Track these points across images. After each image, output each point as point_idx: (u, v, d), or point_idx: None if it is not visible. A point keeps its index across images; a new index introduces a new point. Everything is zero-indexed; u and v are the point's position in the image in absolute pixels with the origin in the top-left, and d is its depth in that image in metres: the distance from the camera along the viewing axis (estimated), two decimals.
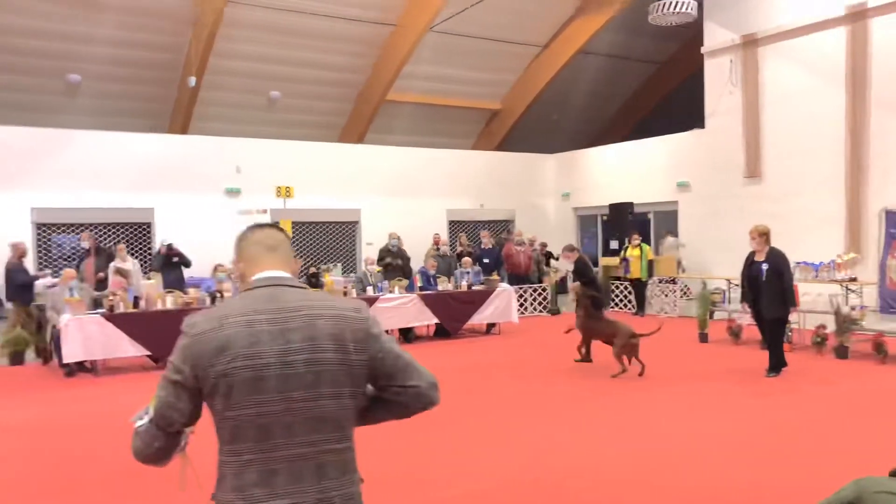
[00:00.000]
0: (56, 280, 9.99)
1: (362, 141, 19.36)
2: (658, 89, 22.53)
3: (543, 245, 16.82)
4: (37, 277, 10.71)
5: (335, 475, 1.87)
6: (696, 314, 10.97)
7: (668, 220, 17.25)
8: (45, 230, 14.49)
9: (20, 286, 10.11)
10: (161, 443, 1.88)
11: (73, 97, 16.24)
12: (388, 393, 1.98)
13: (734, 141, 15.40)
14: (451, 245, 16.97)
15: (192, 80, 15.78)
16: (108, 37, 15.45)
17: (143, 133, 16.01)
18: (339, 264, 17.05)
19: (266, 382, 1.81)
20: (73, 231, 14.65)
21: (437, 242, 13.44)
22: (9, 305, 10.65)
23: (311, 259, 16.87)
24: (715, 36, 15.90)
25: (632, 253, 13.87)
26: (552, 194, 20.50)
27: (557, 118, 21.60)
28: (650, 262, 13.92)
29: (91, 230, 13.44)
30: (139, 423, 1.88)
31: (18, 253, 10.38)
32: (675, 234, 16.43)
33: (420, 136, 19.99)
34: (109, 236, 14.86)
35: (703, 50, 16.24)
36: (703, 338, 10.69)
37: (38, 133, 14.49)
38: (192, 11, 15.36)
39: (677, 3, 13.83)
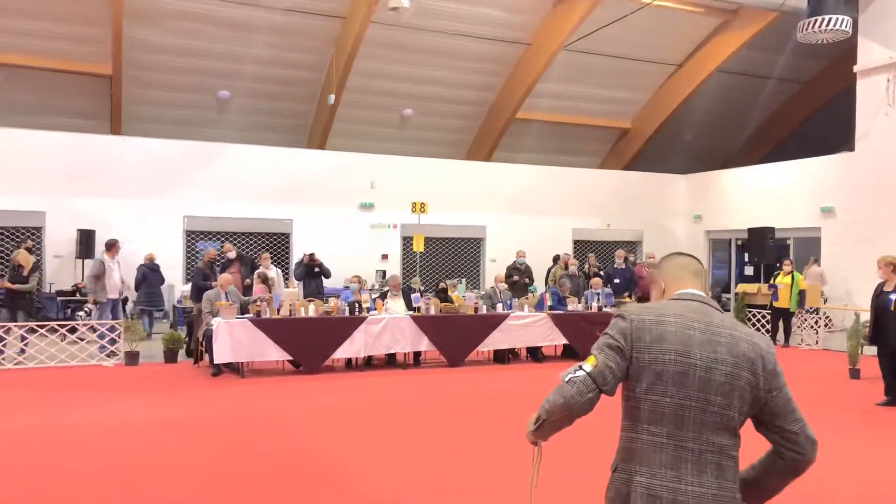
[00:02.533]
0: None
1: (490, 158, 19.51)
2: (800, 110, 21.41)
3: None
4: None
5: (731, 478, 2.07)
6: (847, 348, 10.26)
7: (810, 246, 16.29)
8: (194, 237, 15.47)
9: (200, 288, 10.84)
10: (592, 395, 2.08)
11: (222, 113, 17.32)
12: (767, 428, 2.15)
13: (889, 165, 14.36)
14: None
15: (332, 98, 16.45)
16: (256, 56, 16.39)
17: (284, 147, 16.83)
18: (463, 280, 17.20)
19: (689, 379, 2.05)
20: (216, 239, 15.54)
21: (566, 262, 13.31)
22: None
23: (438, 274, 17.12)
24: (870, 54, 14.93)
25: (782, 280, 13.09)
26: (682, 216, 19.85)
27: (690, 138, 20.94)
28: (801, 292, 13.06)
29: (230, 240, 14.31)
30: (573, 375, 2.10)
31: (208, 258, 11.08)
32: (819, 262, 15.50)
33: (547, 154, 19.93)
34: (251, 245, 15.68)
35: (855, 69, 15.28)
36: (855, 374, 9.98)
37: (191, 146, 15.52)
38: (336, 32, 16.05)
39: (831, 20, 13.08)
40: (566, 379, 2.10)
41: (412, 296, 10.77)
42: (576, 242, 18.62)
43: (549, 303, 11.27)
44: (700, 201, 19.40)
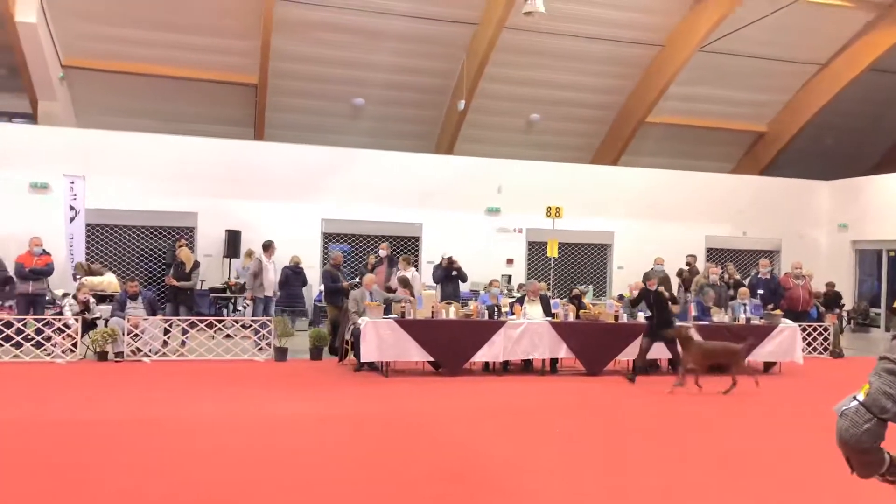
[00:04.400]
0: None
1: (616, 163, 19.17)
2: None
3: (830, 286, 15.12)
4: (343, 285, 11.71)
5: None
6: None
7: None
8: (331, 239, 16.02)
9: (330, 290, 11.26)
10: (871, 426, 1.96)
11: (356, 119, 17.90)
12: None
13: None
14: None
15: (462, 104, 16.66)
16: (388, 63, 16.85)
17: (413, 153, 17.18)
18: (590, 287, 16.96)
19: None
20: (350, 241, 16.01)
21: (709, 271, 12.82)
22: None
23: (564, 281, 16.97)
24: None
25: None
26: (825, 225, 18.76)
27: (832, 142, 19.78)
28: None
29: (363, 243, 14.71)
30: (845, 407, 2.00)
31: (334, 262, 11.55)
32: None
33: (676, 159, 19.35)
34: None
35: None
36: None
37: (327, 151, 16.10)
38: (468, 38, 16.25)
39: None
40: (839, 412, 1.98)
41: (551, 301, 10.70)
42: (709, 250, 17.95)
43: (693, 313, 10.90)
44: (846, 209, 18.28)
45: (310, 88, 17.09)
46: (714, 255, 17.83)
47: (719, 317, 10.98)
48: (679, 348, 9.31)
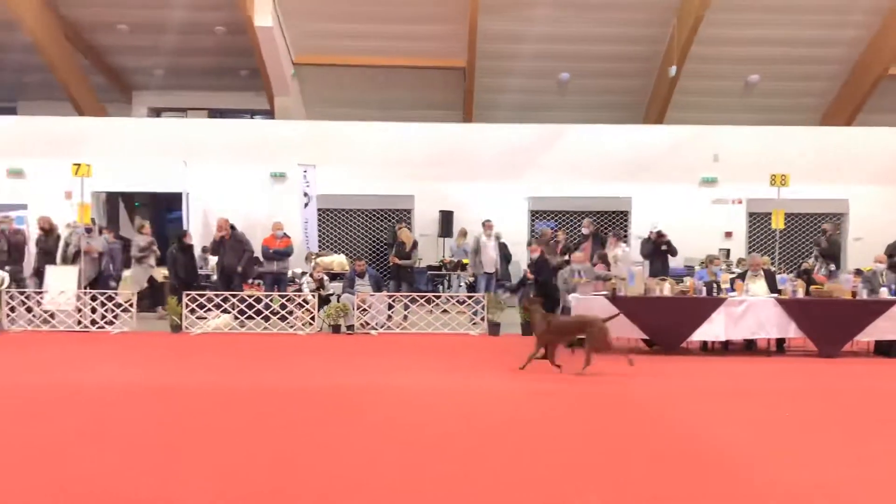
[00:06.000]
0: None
1: (851, 123, 17.29)
2: None
3: None
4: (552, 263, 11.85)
5: None
6: None
7: None
8: (537, 217, 16.17)
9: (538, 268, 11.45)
10: None
11: (562, 94, 17.81)
12: None
13: None
14: None
15: (673, 70, 15.93)
16: (595, 35, 16.52)
17: (621, 125, 16.74)
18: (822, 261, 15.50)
19: None
20: (556, 218, 16.03)
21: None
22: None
23: (791, 255, 15.72)
24: None
25: None
26: None
27: None
28: None
29: (569, 219, 14.62)
30: None
31: (545, 239, 11.73)
32: None
33: None
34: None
35: None
36: None
37: (534, 129, 16.19)
38: (678, 1, 15.46)
39: None
40: None
41: (778, 277, 9.99)
42: None
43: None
44: None
45: (516, 67, 17.28)
46: None
47: None
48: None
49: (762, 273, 10.14)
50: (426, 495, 4.18)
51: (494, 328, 11.17)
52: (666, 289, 9.94)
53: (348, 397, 6.88)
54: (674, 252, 12.45)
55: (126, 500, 4.01)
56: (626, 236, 15.67)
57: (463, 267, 14.09)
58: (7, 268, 11.92)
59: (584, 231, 12.80)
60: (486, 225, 13.04)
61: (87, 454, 4.89)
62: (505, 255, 14.02)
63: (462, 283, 13.96)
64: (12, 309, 11.14)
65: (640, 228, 15.06)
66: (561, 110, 17.80)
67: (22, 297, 11.32)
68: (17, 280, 12.10)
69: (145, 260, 12.62)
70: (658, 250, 12.24)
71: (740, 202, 15.91)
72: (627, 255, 12.27)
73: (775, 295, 9.72)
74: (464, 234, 14.67)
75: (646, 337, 9.84)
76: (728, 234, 15.87)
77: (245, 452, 4.96)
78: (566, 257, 11.26)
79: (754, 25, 15.94)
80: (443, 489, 4.31)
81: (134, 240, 12.82)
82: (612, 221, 15.97)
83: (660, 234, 12.28)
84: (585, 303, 9.60)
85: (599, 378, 8.19)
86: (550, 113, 17.59)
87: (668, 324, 9.59)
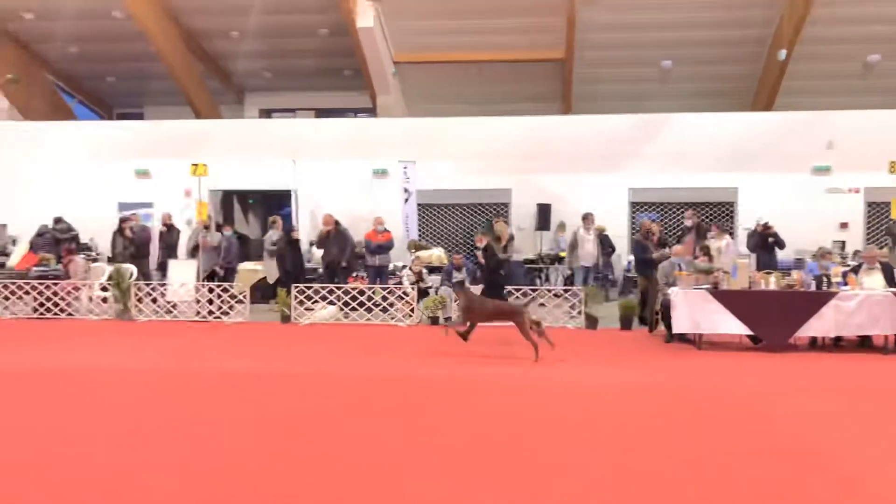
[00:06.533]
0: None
1: None
2: None
3: None
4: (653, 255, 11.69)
5: None
6: None
7: None
8: (638, 208, 15.90)
9: (640, 261, 11.34)
10: None
11: (664, 83, 17.40)
12: None
13: None
14: None
15: (783, 54, 15.25)
16: (698, 20, 16.03)
17: (726, 112, 16.18)
18: None
19: None
20: (658, 210, 15.71)
21: None
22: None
23: None
24: None
25: None
26: None
27: None
28: None
29: (671, 211, 14.27)
30: None
31: (645, 231, 11.59)
32: None
33: None
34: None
35: None
36: None
37: (635, 119, 15.90)
38: None
39: None
40: None
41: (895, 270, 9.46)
42: None
43: None
44: None
45: (616, 56, 17.03)
46: None
47: None
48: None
49: (879, 266, 9.63)
50: (517, 484, 4.34)
51: (592, 322, 11.14)
52: (771, 282, 9.62)
53: (442, 386, 7.12)
54: (781, 244, 11.97)
55: (244, 475, 4.38)
56: (731, 228, 15.16)
57: (560, 260, 14.09)
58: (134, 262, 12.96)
59: (687, 223, 12.51)
60: (587, 218, 13.01)
61: (204, 435, 5.34)
62: (608, 247, 13.92)
63: (561, 277, 13.97)
64: (140, 300, 12.08)
65: (747, 220, 14.54)
66: (663, 99, 17.41)
67: (148, 289, 12.26)
68: (143, 273, 13.13)
69: (277, 253, 13.30)
70: (764, 243, 11.80)
71: (857, 191, 15.06)
72: (731, 248, 11.89)
73: (894, 290, 9.21)
74: (562, 227, 14.65)
75: (750, 333, 9.56)
76: (843, 226, 15.05)
77: (346, 435, 5.27)
78: (666, 250, 11.05)
79: (869, 3, 14.99)
80: (528, 480, 4.44)
81: (268, 234, 13.53)
82: (718, 213, 15.48)
83: (766, 226, 11.84)
84: (686, 296, 9.43)
85: (699, 372, 8.06)
86: (652, 102, 17.23)
87: (773, 319, 9.27)
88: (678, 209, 15.20)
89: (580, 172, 15.56)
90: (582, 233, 12.79)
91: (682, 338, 9.83)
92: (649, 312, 10.79)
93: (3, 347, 9.39)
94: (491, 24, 16.30)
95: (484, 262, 11.46)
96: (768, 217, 12.89)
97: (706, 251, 11.41)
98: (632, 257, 13.78)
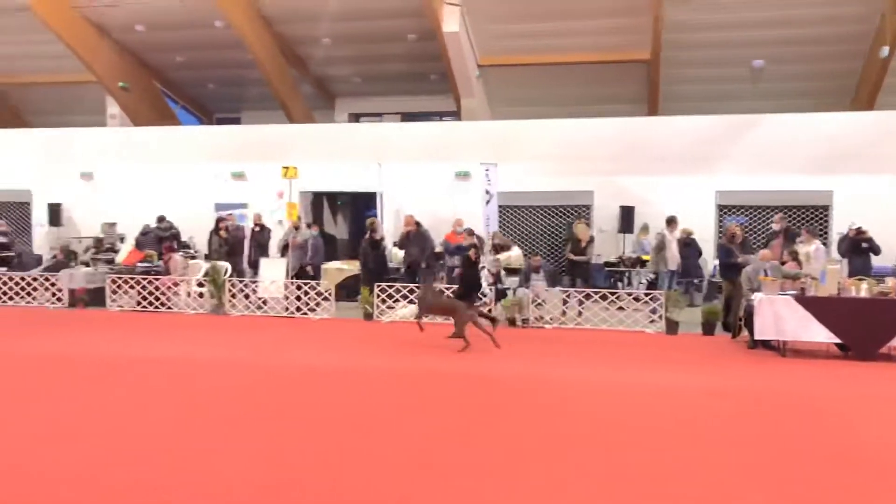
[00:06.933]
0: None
1: None
2: None
3: None
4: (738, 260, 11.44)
5: None
6: None
7: None
8: (726, 211, 15.49)
9: (724, 265, 11.15)
10: None
11: (755, 82, 16.89)
12: None
13: None
14: None
15: (885, 50, 14.53)
16: (792, 17, 15.49)
17: (823, 113, 15.54)
18: None
19: None
20: (746, 213, 15.25)
21: None
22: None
23: None
24: None
25: None
26: None
27: None
28: None
29: (759, 214, 13.85)
30: None
31: (729, 235, 11.39)
32: None
33: None
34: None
35: None
36: None
37: (723, 120, 15.48)
38: None
39: None
40: None
41: None
42: None
43: None
44: None
45: (705, 56, 16.67)
46: None
47: None
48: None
49: None
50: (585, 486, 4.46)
51: (672, 327, 11.00)
52: (863, 289, 9.25)
53: (516, 385, 7.27)
54: (876, 250, 11.45)
55: (334, 461, 4.70)
56: (825, 233, 14.57)
57: (642, 263, 13.93)
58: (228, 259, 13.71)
59: (775, 227, 12.14)
60: (672, 221, 12.89)
61: (289, 426, 5.72)
62: (694, 251, 13.69)
63: (643, 280, 13.81)
64: (233, 296, 12.76)
65: (841, 224, 13.94)
66: (753, 99, 16.91)
67: (241, 286, 12.94)
68: (237, 270, 13.86)
69: (360, 253, 13.70)
70: (857, 248, 11.32)
71: None
72: (821, 253, 11.47)
73: None
74: (646, 229, 14.48)
75: (838, 341, 9.23)
76: None
77: (424, 428, 5.52)
78: (750, 256, 10.80)
79: None
80: (594, 483, 4.55)
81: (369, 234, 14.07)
82: (811, 217, 14.90)
83: (859, 231, 11.36)
84: (770, 302, 9.21)
85: (781, 379, 7.89)
86: (741, 102, 16.77)
87: (863, 327, 8.93)
88: (768, 213, 14.72)
89: (665, 174, 15.31)
90: (668, 235, 12.69)
91: (766, 344, 9.60)
92: (733, 318, 10.56)
93: (112, 337, 10.17)
94: (575, 27, 16.28)
95: (463, 261, 11.56)
96: (865, 222, 12.34)
97: (794, 256, 11.08)
98: (717, 262, 13.49)
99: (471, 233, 13.26)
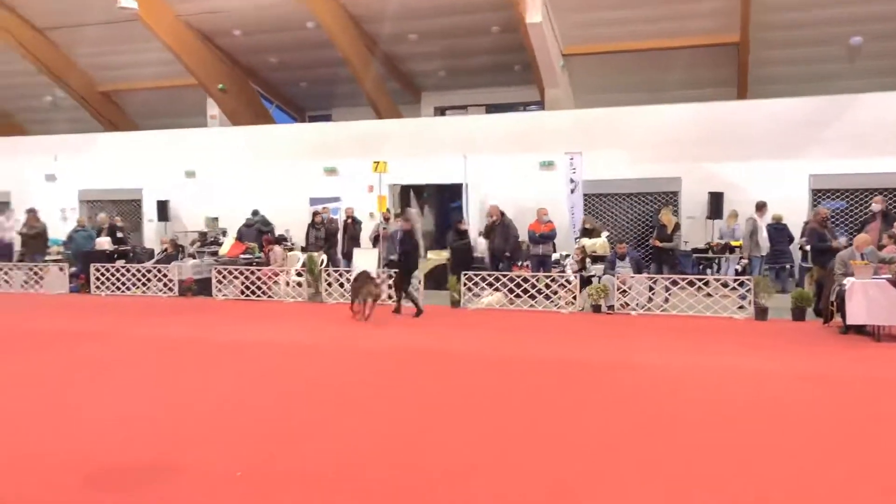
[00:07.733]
0: None
1: None
2: None
3: None
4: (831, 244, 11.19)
5: None
6: None
7: None
8: (820, 195, 15.01)
9: (816, 249, 10.94)
10: None
11: (852, 61, 16.24)
12: None
13: None
14: None
15: None
16: None
17: None
18: None
19: None
20: (842, 197, 14.73)
21: None
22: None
23: None
24: None
25: None
26: None
27: None
28: None
29: (858, 197, 13.37)
30: None
31: (819, 219, 11.16)
32: None
33: None
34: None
35: None
36: None
37: (818, 102, 14.99)
38: None
39: None
40: None
41: None
42: None
43: None
44: None
45: (797, 36, 16.15)
46: None
47: None
48: None
49: None
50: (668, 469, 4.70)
51: (762, 313, 10.88)
52: None
53: (598, 371, 7.50)
54: None
55: (414, 441, 5.13)
56: None
57: (731, 249, 13.74)
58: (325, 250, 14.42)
59: (875, 207, 11.74)
60: (761, 207, 12.72)
61: (378, 404, 6.19)
62: (786, 237, 13.45)
63: (736, 267, 13.59)
64: (329, 285, 13.43)
65: None
66: (849, 79, 16.25)
67: (336, 275, 13.60)
68: (332, 261, 14.55)
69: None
70: None
71: None
72: None
73: None
74: (734, 215, 14.26)
75: None
76: None
77: (501, 412, 5.87)
78: (842, 239, 10.55)
79: None
80: (676, 467, 4.78)
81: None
82: None
83: None
84: (863, 287, 9.02)
85: (872, 364, 7.79)
86: (836, 83, 16.16)
87: None
88: (865, 196, 14.21)
89: (755, 159, 15.00)
90: (759, 221, 12.54)
91: (861, 330, 9.40)
92: (824, 303, 10.36)
93: (223, 323, 10.99)
94: (660, 12, 16.09)
95: (400, 245, 12.22)
96: None
97: (894, 238, 10.75)
98: (808, 247, 13.17)
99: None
